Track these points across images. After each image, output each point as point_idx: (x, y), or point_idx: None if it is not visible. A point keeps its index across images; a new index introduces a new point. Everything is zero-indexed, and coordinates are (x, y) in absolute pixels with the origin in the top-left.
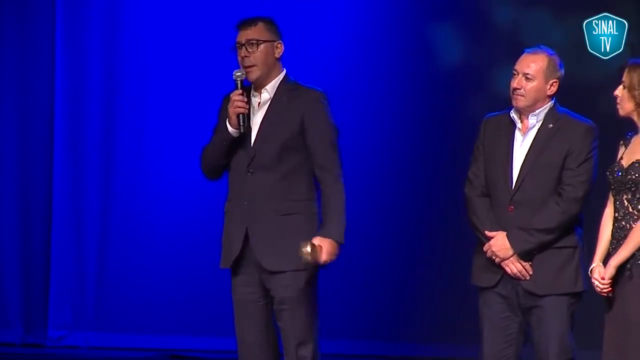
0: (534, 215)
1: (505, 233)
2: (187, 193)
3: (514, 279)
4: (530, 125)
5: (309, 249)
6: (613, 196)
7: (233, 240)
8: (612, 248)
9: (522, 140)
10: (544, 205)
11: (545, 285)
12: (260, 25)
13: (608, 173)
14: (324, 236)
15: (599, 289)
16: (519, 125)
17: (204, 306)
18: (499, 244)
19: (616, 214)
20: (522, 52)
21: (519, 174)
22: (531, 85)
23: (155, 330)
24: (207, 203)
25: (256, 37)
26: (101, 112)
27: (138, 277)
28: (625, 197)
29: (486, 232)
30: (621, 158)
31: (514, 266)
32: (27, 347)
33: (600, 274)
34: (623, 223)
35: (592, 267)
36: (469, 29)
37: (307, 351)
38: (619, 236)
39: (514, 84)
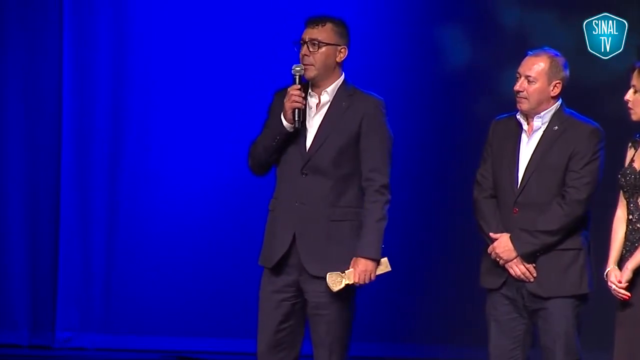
0: (538, 217)
1: (509, 235)
2: (194, 194)
3: (518, 281)
4: (535, 127)
5: (334, 279)
6: (626, 199)
7: (278, 241)
8: (627, 250)
9: (528, 142)
10: (548, 207)
11: (549, 287)
12: (329, 26)
13: (620, 176)
14: (357, 254)
15: (615, 293)
16: (525, 127)
17: (211, 308)
18: (502, 245)
19: (630, 217)
20: (525, 54)
21: (524, 176)
22: (533, 87)
23: (162, 331)
24: (214, 205)
25: (320, 38)
26: (109, 112)
27: (145, 278)
28: (639, 199)
29: (490, 233)
30: (632, 161)
31: (518, 268)
32: (34, 349)
33: (617, 278)
34: (638, 225)
35: (607, 270)
36: (474, 31)
37: (336, 348)
38: (634, 238)
39: (517, 86)
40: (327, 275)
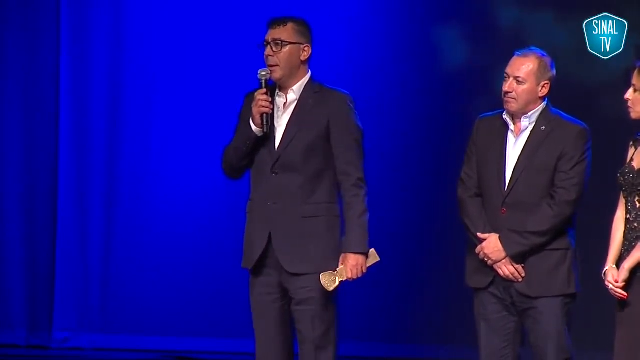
0: (526, 217)
1: (497, 235)
2: (192, 194)
3: (507, 280)
4: (523, 127)
5: (327, 278)
6: (624, 198)
7: (255, 241)
8: (625, 250)
9: (515, 142)
10: (537, 208)
11: (538, 287)
12: (290, 26)
13: (619, 175)
14: (346, 250)
15: (613, 292)
16: (511, 127)
17: (209, 308)
18: (491, 246)
19: (628, 216)
20: (512, 54)
21: (512, 176)
22: (522, 88)
23: (160, 331)
24: (212, 204)
25: (283, 38)
26: (106, 112)
27: (143, 278)
28: (637, 199)
29: (478, 234)
30: (632, 160)
31: (506, 269)
32: (32, 349)
33: (614, 277)
34: (635, 225)
35: (605, 269)
36: (474, 31)
37: (326, 356)
38: (632, 238)
39: (505, 87)
40: (321, 275)
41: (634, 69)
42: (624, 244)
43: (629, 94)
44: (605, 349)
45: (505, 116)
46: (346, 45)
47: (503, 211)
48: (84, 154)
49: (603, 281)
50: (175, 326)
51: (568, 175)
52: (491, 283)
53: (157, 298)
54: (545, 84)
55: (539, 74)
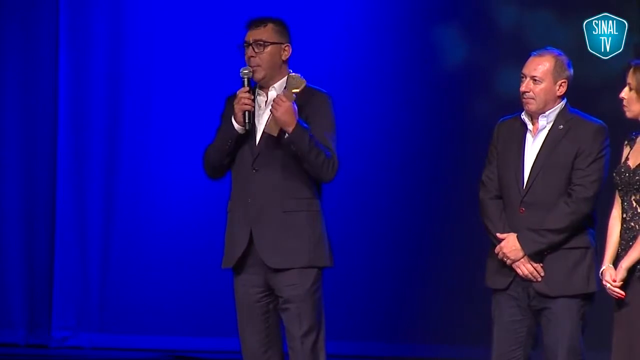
0: (545, 216)
1: (515, 234)
2: (191, 194)
3: (526, 280)
4: (540, 127)
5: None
6: (620, 197)
7: (237, 240)
8: (622, 249)
9: (533, 142)
10: (555, 205)
11: (556, 286)
12: (270, 26)
13: (615, 174)
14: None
15: (610, 292)
16: (530, 127)
17: (207, 307)
18: (509, 245)
19: (624, 215)
20: (529, 55)
21: (530, 175)
22: (540, 87)
23: (159, 331)
24: (211, 204)
25: (264, 38)
26: (105, 112)
27: (142, 278)
28: (633, 197)
29: (497, 234)
30: (627, 159)
31: (525, 267)
32: (31, 348)
33: (612, 276)
34: (632, 224)
35: (602, 269)
36: (474, 31)
37: (315, 353)
38: (628, 237)
39: (523, 87)
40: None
41: (629, 67)
42: (620, 244)
43: (624, 93)
44: (609, 349)
45: (523, 116)
46: (346, 45)
47: (522, 210)
48: (83, 154)
49: (600, 281)
50: (175, 326)
51: (585, 172)
52: (510, 284)
53: (156, 298)
54: (563, 82)
55: (556, 73)
